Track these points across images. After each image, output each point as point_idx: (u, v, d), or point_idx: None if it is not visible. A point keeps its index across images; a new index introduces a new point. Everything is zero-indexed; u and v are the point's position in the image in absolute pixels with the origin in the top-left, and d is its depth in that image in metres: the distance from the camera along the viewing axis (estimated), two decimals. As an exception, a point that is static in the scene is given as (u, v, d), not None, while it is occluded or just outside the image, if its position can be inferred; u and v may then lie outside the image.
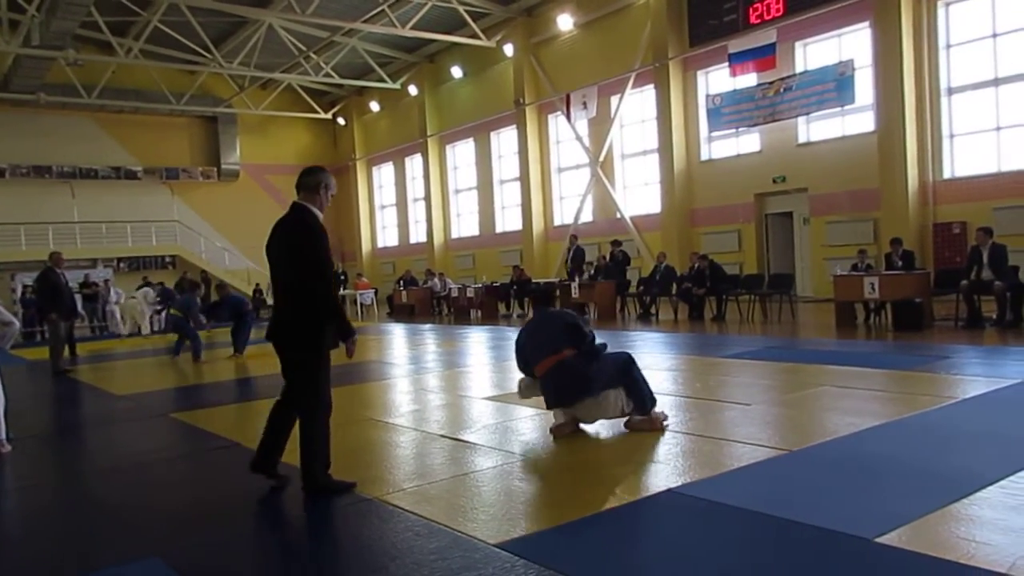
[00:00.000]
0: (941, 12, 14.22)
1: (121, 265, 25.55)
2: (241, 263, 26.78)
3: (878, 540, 3.12)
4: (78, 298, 16.73)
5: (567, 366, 5.15)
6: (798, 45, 16.19)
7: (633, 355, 5.40)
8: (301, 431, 4.25)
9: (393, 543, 3.54)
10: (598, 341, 5.35)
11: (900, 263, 11.39)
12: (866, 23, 15.02)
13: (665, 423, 5.31)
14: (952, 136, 14.36)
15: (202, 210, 28.05)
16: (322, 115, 28.95)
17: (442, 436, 5.55)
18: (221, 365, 11.34)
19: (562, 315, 5.52)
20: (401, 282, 22.34)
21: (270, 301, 23.16)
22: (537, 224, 22.56)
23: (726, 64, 16.67)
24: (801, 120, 16.22)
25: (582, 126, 20.90)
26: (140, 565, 3.40)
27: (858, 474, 4.07)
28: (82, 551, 3.73)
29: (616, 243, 17.00)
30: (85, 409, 8.47)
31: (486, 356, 10.55)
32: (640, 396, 5.22)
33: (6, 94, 22.91)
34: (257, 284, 25.48)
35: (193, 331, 12.47)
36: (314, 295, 4.09)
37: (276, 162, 28.90)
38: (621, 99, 19.85)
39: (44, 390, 9.99)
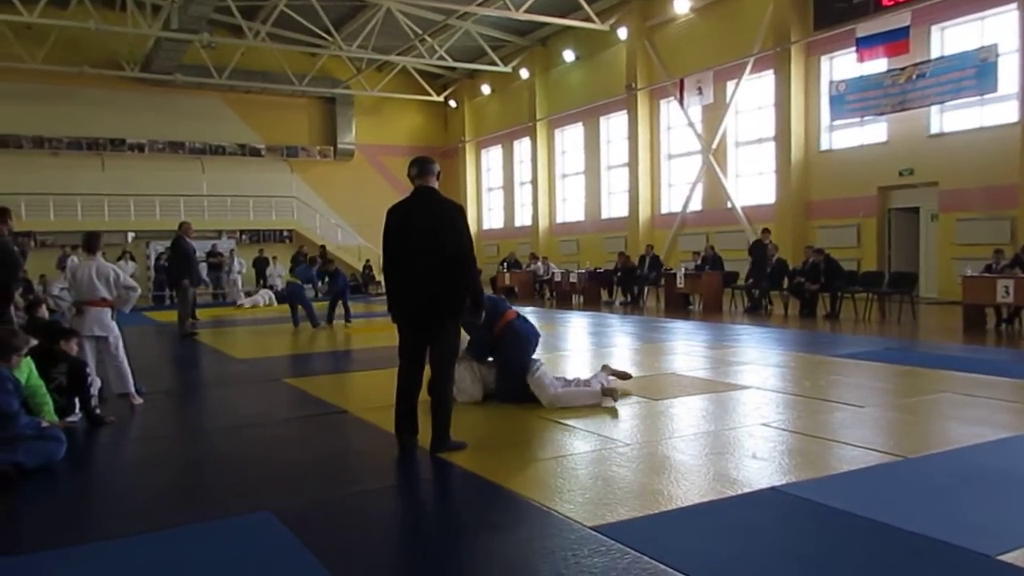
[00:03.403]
0: (1104, -8, 12.94)
1: (243, 237, 26.98)
2: (353, 240, 27.73)
3: (1000, 558, 2.93)
4: (203, 266, 17.82)
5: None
6: (934, 28, 15.11)
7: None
8: (439, 395, 4.61)
9: (489, 518, 3.62)
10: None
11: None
12: (1013, 5, 13.83)
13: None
14: (1108, 129, 13.09)
15: (318, 187, 29.20)
16: (434, 97, 29.44)
17: (540, 417, 5.59)
18: (330, 335, 11.83)
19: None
20: (505, 264, 22.54)
21: (379, 277, 23.75)
22: (644, 211, 22.19)
23: (853, 49, 15.76)
24: (934, 109, 15.16)
25: (695, 112, 20.35)
26: (252, 518, 3.62)
27: (980, 487, 3.82)
28: (196, 502, 4.00)
29: (766, 231, 15.64)
30: (207, 370, 9.05)
31: (586, 341, 10.52)
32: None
33: (147, 75, 24.59)
34: (368, 260, 26.32)
35: (308, 300, 13.10)
36: (464, 269, 4.56)
37: (389, 143, 29.70)
38: (738, 85, 19.17)
39: (171, 351, 10.72)
